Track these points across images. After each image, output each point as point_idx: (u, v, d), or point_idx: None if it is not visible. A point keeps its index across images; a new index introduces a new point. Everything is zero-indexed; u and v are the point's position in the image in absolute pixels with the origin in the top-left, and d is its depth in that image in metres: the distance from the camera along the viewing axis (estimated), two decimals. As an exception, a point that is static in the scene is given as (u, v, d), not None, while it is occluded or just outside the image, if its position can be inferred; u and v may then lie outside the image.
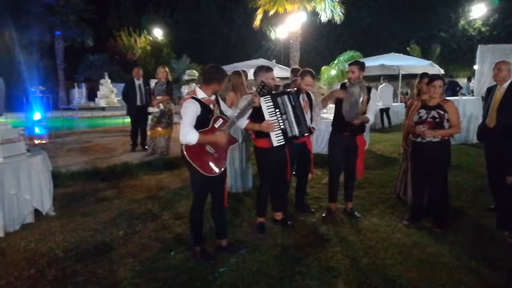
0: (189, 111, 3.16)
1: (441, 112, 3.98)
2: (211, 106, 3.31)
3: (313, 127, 4.74)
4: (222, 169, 3.34)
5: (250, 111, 3.64)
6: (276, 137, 3.82)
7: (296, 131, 3.86)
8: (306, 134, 4.01)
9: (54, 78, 22.96)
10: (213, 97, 3.35)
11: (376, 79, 17.96)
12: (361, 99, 4.13)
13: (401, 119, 13.15)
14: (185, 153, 3.17)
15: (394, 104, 13.79)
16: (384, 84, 13.00)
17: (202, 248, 3.52)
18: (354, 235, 4.05)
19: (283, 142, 3.84)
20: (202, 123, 3.20)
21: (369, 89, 4.38)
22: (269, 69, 3.99)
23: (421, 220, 4.33)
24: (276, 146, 3.82)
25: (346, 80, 4.49)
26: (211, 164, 3.27)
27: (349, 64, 4.46)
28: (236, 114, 3.45)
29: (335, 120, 4.51)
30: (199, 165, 3.20)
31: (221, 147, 3.30)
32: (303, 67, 4.98)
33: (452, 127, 4.00)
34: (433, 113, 4.01)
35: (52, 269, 3.33)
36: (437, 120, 3.98)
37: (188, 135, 3.08)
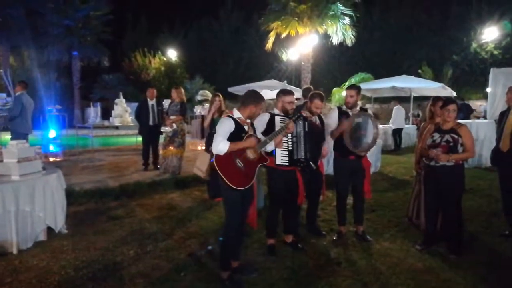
0: (224, 126, 3.32)
1: (455, 136, 3.96)
2: (246, 127, 3.42)
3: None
4: (249, 185, 3.39)
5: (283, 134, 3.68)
6: (281, 156, 3.84)
7: (302, 155, 3.86)
8: (312, 164, 3.95)
9: (70, 97, 23.50)
10: (248, 121, 3.48)
11: (387, 100, 17.98)
12: (375, 131, 4.14)
13: (413, 140, 13.08)
14: (214, 162, 3.26)
15: (406, 126, 13.81)
16: (398, 106, 13.07)
17: (229, 274, 3.44)
18: (366, 259, 4.00)
19: (287, 163, 3.85)
20: (235, 139, 3.30)
21: (365, 110, 4.45)
22: (288, 93, 4.07)
23: (434, 245, 4.25)
24: (286, 168, 3.84)
25: (344, 106, 4.52)
26: (238, 177, 3.31)
27: (347, 88, 4.52)
28: (269, 135, 3.53)
29: (341, 144, 4.49)
30: (226, 175, 3.25)
31: (251, 161, 3.38)
32: (315, 89, 5.03)
33: (466, 151, 3.97)
34: (447, 137, 4.00)
35: None
36: (451, 144, 3.96)
37: (220, 144, 3.21)
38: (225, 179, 3.25)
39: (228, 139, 3.27)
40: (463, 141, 3.95)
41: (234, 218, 3.42)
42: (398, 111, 12.94)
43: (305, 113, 3.86)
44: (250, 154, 3.39)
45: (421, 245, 4.26)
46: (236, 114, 3.44)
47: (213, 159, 3.29)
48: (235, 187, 3.28)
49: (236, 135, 3.33)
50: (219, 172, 3.25)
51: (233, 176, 3.29)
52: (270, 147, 3.62)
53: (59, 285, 3.38)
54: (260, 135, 3.64)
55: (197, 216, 5.37)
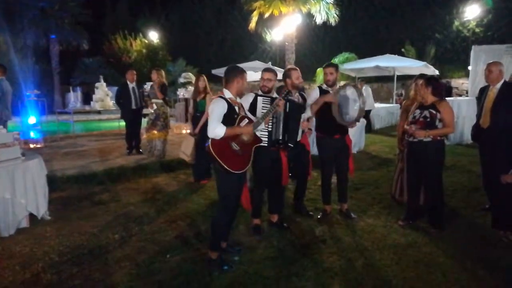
0: (217, 108, 3.21)
1: (433, 111, 4.00)
2: (237, 108, 3.35)
3: (310, 129, 4.73)
4: (247, 168, 3.36)
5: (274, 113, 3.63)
6: (261, 137, 3.81)
7: (279, 136, 3.85)
8: (290, 145, 3.95)
9: (49, 82, 22.82)
10: (238, 100, 3.41)
11: (372, 80, 18.03)
12: (360, 102, 4.13)
13: (396, 119, 13.23)
14: (210, 148, 3.18)
15: (386, 105, 13.94)
16: (365, 87, 12.70)
17: (219, 255, 3.43)
18: (350, 236, 4.07)
19: (265, 144, 3.84)
20: (228, 122, 3.22)
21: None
22: (265, 70, 4.00)
23: (416, 220, 4.35)
24: (270, 148, 3.84)
25: (323, 84, 4.49)
26: (236, 161, 3.26)
27: (325, 67, 4.46)
28: (262, 115, 3.48)
29: (324, 123, 4.49)
30: (224, 160, 3.19)
31: (246, 143, 3.33)
32: (299, 69, 4.98)
33: (446, 127, 4.00)
34: (426, 112, 4.04)
35: (48, 273, 3.32)
36: (428, 120, 4.00)
37: (216, 128, 3.13)
38: (223, 163, 3.17)
39: (222, 121, 3.19)
40: (442, 116, 3.98)
41: (230, 202, 3.39)
42: (368, 91, 12.69)
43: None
44: (245, 137, 3.34)
45: (403, 220, 4.35)
46: (227, 94, 3.35)
47: (207, 143, 3.21)
48: (234, 171, 3.23)
49: (229, 117, 3.25)
50: (216, 157, 3.17)
51: (231, 160, 3.23)
52: (260, 126, 3.58)
53: (43, 271, 3.35)
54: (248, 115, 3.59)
55: (183, 199, 5.36)
